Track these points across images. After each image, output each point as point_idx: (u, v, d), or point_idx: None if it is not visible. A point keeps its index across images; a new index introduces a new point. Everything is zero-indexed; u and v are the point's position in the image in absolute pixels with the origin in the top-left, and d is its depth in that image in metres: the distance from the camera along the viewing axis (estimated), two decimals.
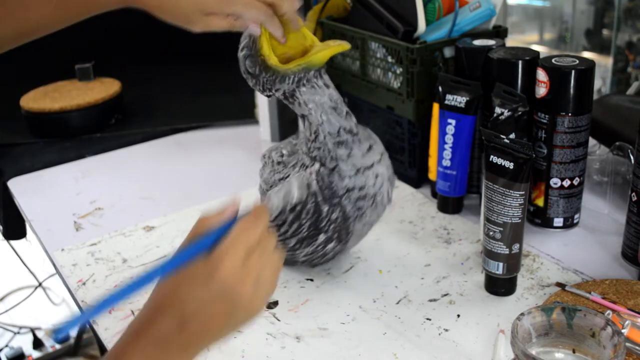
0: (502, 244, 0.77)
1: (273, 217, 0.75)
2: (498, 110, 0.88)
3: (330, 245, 0.79)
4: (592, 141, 0.97)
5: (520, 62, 0.89)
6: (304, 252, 0.80)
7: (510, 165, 0.75)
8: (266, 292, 0.55)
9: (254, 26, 0.73)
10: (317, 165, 0.76)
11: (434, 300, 0.81)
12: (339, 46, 0.73)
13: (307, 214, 0.76)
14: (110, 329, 0.78)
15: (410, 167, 1.08)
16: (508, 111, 0.86)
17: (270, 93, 0.76)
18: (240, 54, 0.76)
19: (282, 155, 0.82)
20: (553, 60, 0.87)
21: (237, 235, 0.53)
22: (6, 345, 1.90)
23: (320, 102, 0.75)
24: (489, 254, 0.79)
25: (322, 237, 0.78)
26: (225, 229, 0.54)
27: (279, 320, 0.78)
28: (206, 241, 0.53)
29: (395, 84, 1.06)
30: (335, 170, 0.75)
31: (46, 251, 0.98)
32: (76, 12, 0.76)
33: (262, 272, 0.54)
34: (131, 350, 0.51)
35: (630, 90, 1.20)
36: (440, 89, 0.95)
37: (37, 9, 0.74)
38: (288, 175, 0.79)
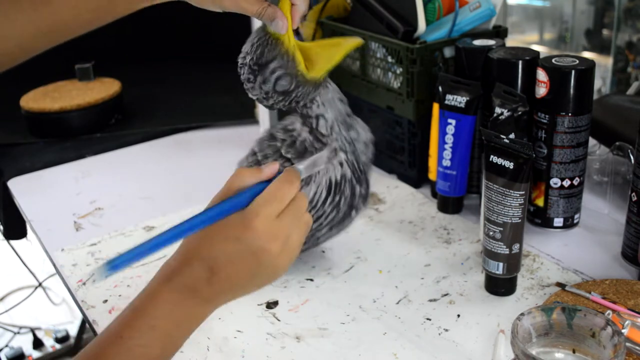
0: (502, 244, 0.77)
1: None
2: (498, 110, 0.88)
3: (357, 216, 0.83)
4: (592, 141, 0.97)
5: (520, 62, 0.89)
6: (328, 234, 0.83)
7: (510, 165, 0.75)
8: (292, 253, 0.56)
9: (283, 21, 0.68)
10: (342, 155, 0.78)
11: (434, 300, 0.81)
12: (355, 42, 0.74)
13: (345, 200, 0.79)
14: None
15: (410, 167, 1.08)
16: (508, 111, 0.86)
17: (297, 105, 0.76)
18: (272, 76, 0.72)
19: (288, 160, 0.81)
20: (553, 60, 0.87)
21: (271, 194, 0.54)
22: (6, 345, 1.90)
23: (332, 99, 0.78)
24: (489, 254, 0.79)
25: (354, 213, 0.82)
26: (261, 188, 0.55)
27: (279, 320, 0.78)
28: (241, 199, 0.55)
29: (395, 84, 1.06)
30: (355, 153, 0.79)
31: (46, 251, 0.98)
32: (114, 8, 0.70)
33: (291, 233, 0.55)
34: (159, 295, 0.52)
35: (630, 90, 1.20)
36: (440, 89, 0.95)
37: (61, 3, 0.68)
38: (310, 176, 0.79)
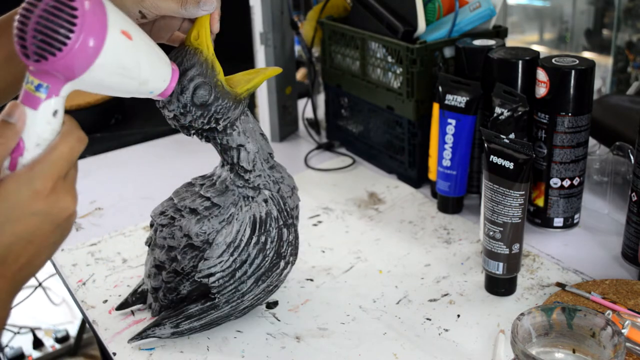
0: (502, 244, 0.77)
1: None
2: (498, 110, 0.88)
3: (286, 271, 0.76)
4: (592, 141, 0.97)
5: (520, 62, 0.89)
6: (254, 289, 0.74)
7: (510, 165, 0.75)
8: (72, 182, 0.57)
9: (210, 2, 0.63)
10: (266, 192, 0.73)
11: (434, 300, 0.81)
12: (274, 70, 0.71)
13: (272, 242, 0.73)
14: (110, 329, 0.78)
15: (410, 167, 1.08)
16: (508, 111, 0.86)
17: (217, 127, 0.71)
18: (190, 85, 0.66)
19: (208, 200, 0.74)
20: (553, 60, 0.87)
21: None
22: (6, 345, 1.90)
23: (253, 130, 0.73)
24: (489, 254, 0.79)
25: (282, 264, 0.74)
26: None
27: (279, 320, 0.78)
28: None
29: (395, 84, 1.06)
30: (280, 193, 0.74)
31: None
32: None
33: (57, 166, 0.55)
34: None
35: (630, 90, 1.20)
36: (440, 89, 0.95)
37: None
38: (231, 215, 0.73)
